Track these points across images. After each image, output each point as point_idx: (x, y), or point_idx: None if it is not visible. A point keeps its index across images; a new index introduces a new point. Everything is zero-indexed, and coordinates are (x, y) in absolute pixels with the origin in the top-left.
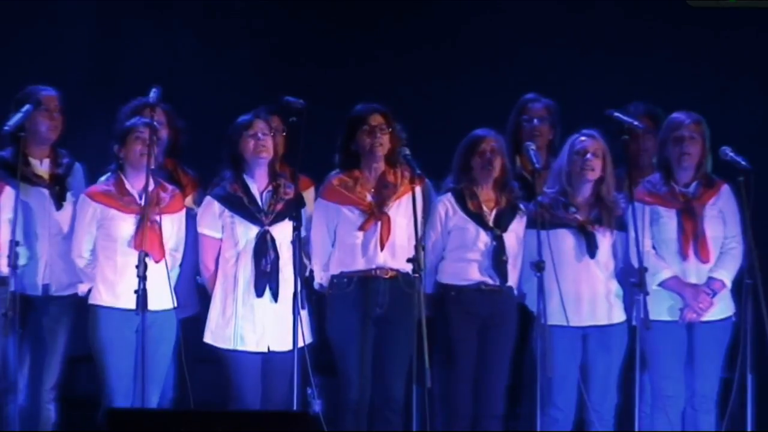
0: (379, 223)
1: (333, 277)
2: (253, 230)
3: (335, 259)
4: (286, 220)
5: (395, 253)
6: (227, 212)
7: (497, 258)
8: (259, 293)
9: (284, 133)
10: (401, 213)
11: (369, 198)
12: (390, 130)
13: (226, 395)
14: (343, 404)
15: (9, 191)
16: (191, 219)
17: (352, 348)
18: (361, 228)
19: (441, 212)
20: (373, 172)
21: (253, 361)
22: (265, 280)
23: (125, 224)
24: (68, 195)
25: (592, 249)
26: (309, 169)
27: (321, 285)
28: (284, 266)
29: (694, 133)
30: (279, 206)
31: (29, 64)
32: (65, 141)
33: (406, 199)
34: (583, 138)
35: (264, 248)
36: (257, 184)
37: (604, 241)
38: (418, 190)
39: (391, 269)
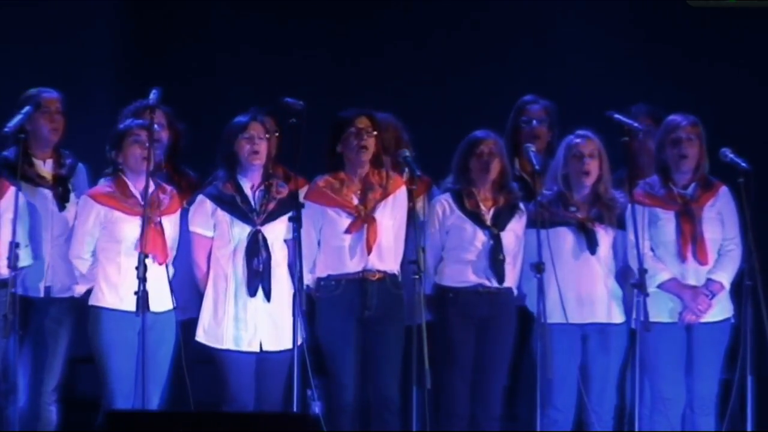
0: (366, 226)
1: (320, 279)
2: (246, 230)
3: (322, 261)
4: (278, 220)
5: (382, 255)
6: (219, 211)
7: (494, 257)
8: (252, 293)
9: (277, 134)
10: (387, 214)
11: (355, 200)
12: (376, 132)
13: (220, 395)
14: (337, 407)
15: (12, 192)
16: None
17: (343, 351)
18: (347, 231)
19: (439, 212)
20: (358, 174)
21: (246, 361)
22: (258, 279)
23: (130, 226)
24: (71, 196)
25: (592, 246)
26: (308, 170)
27: (308, 287)
28: (276, 266)
29: (691, 135)
30: (271, 206)
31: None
32: (73, 142)
33: (392, 199)
34: (578, 140)
35: (256, 248)
36: (250, 184)
37: (605, 238)
38: (408, 190)
39: (379, 271)
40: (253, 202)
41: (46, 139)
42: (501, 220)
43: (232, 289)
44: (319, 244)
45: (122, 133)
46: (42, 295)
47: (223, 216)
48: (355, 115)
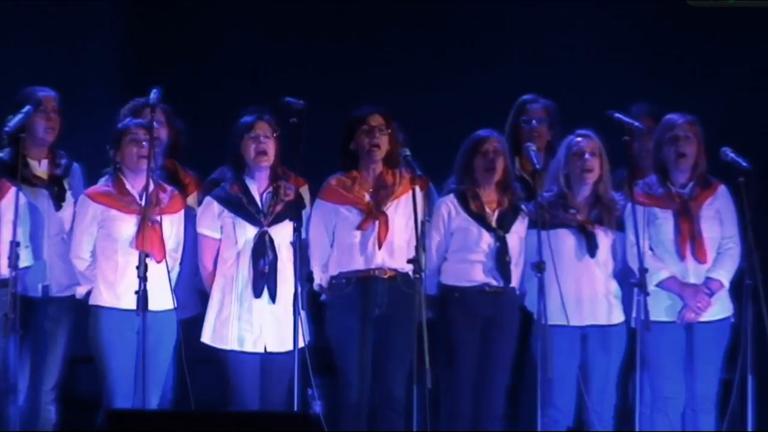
0: (377, 223)
1: (332, 278)
2: (252, 231)
3: (333, 259)
4: (286, 222)
5: (394, 253)
6: (226, 212)
7: (500, 259)
8: (257, 294)
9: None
10: (400, 213)
11: (367, 198)
12: (389, 131)
13: (225, 396)
14: (342, 406)
15: (12, 192)
16: (191, 219)
17: (351, 349)
18: (359, 227)
19: (444, 213)
20: (371, 172)
21: (250, 362)
22: (263, 281)
23: (126, 225)
24: (68, 195)
25: (592, 248)
26: (308, 170)
27: (320, 286)
28: (283, 267)
29: (688, 133)
30: (278, 207)
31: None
32: (75, 142)
33: (405, 199)
34: (579, 138)
35: (262, 249)
36: (257, 185)
37: (605, 240)
38: (417, 190)
39: (390, 269)
40: (260, 204)
41: (41, 139)
42: (506, 222)
43: (238, 290)
44: (332, 243)
45: (121, 132)
46: (40, 294)
47: (229, 217)
48: (368, 113)
